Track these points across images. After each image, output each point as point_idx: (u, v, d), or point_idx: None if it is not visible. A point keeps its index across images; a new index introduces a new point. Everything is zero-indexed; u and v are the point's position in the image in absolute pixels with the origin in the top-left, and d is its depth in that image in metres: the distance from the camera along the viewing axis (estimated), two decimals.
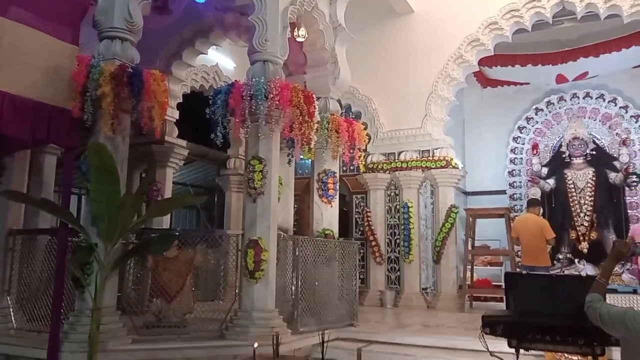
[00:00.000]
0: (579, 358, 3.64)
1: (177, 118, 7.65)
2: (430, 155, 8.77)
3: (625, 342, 2.34)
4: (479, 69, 9.52)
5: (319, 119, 5.64)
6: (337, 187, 6.29)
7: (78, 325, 4.24)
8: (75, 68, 4.45)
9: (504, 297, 3.08)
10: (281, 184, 5.77)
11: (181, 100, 7.79)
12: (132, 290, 5.13)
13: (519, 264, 8.46)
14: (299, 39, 5.90)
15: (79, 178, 4.83)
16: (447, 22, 8.89)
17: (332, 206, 6.20)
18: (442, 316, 7.48)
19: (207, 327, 5.00)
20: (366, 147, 7.90)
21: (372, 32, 9.17)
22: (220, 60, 9.37)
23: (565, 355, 3.87)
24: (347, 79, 6.52)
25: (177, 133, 7.65)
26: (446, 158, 8.61)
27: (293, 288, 5.44)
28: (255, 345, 3.29)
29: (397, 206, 8.87)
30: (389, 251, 8.85)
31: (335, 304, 5.82)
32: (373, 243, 8.72)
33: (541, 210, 6.93)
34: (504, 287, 7.53)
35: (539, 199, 7.86)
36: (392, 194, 8.99)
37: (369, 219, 8.86)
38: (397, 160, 8.90)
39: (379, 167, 8.96)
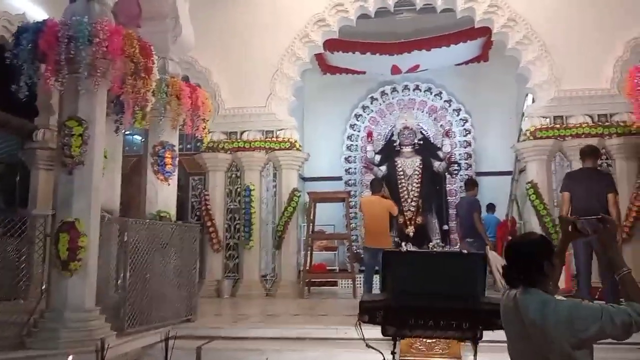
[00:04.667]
0: (442, 343, 3.47)
1: None
2: (274, 136, 8.33)
3: None
4: (322, 52, 9.35)
5: (157, 81, 4.74)
6: (176, 163, 5.45)
7: None
8: None
9: (380, 279, 2.68)
10: (106, 157, 4.74)
11: None
12: None
13: (358, 246, 8.54)
14: None
15: None
16: None
17: (169, 184, 5.35)
18: (283, 304, 7.10)
19: (1, 333, 3.85)
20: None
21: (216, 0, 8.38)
22: (29, 9, 7.66)
23: (424, 340, 3.65)
24: (190, 39, 5.70)
25: None
26: (290, 140, 8.26)
27: (120, 281, 4.51)
28: (70, 358, 2.41)
29: (238, 189, 8.27)
30: (228, 237, 8.21)
31: (171, 297, 5.00)
32: (211, 229, 7.97)
33: (386, 190, 6.90)
34: (361, 268, 7.37)
35: (381, 181, 7.89)
36: (233, 176, 8.35)
37: (207, 202, 8.10)
38: (239, 140, 8.29)
39: (220, 146, 8.24)
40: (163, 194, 5.28)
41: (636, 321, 1.75)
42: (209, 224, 7.98)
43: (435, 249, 9.28)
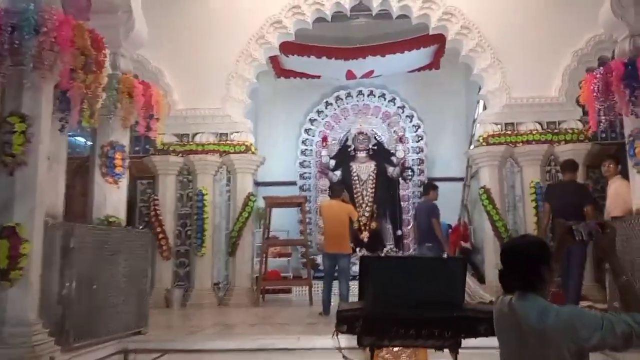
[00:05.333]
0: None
1: None
2: (229, 139, 8.08)
3: None
4: (276, 56, 9.21)
5: (108, 77, 4.43)
6: (127, 165, 5.12)
7: None
8: None
9: (358, 286, 2.55)
10: (48, 158, 4.37)
11: None
12: None
13: (312, 253, 8.39)
14: None
15: None
16: None
17: (118, 187, 5.01)
18: (238, 313, 6.85)
19: None
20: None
21: None
22: None
23: (391, 349, 3.54)
24: (143, 34, 5.40)
25: None
26: (246, 143, 8.04)
27: (64, 291, 4.14)
28: None
29: (190, 194, 7.94)
30: (179, 244, 7.86)
31: (120, 308, 4.67)
32: (160, 235, 7.60)
33: (346, 195, 6.80)
34: (317, 274, 7.17)
35: (341, 185, 7.80)
36: (185, 180, 8.01)
37: (156, 208, 7.72)
38: (192, 143, 7.98)
39: (171, 149, 7.89)
40: (112, 198, 4.93)
41: (637, 332, 1.68)
42: (158, 230, 7.60)
43: (391, 254, 9.56)
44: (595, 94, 4.74)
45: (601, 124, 4.88)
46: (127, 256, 4.71)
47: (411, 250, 9.92)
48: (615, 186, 5.23)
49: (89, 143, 6.81)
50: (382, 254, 9.45)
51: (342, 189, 6.74)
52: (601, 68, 4.99)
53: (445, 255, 6.23)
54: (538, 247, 1.89)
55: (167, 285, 7.66)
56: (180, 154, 7.93)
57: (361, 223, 9.52)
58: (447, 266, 2.45)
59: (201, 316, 6.63)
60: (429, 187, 7.40)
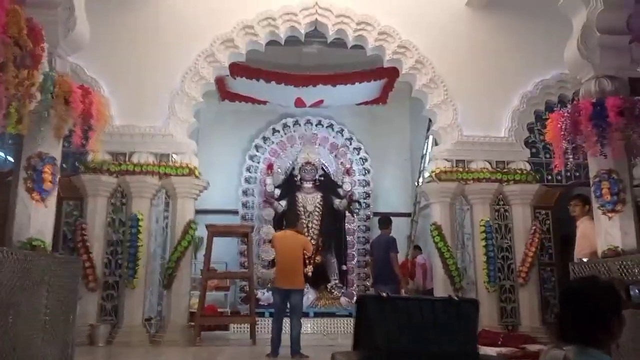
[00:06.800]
0: None
1: None
2: (171, 160, 7.49)
3: None
4: (222, 77, 8.85)
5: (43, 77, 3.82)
6: (57, 181, 4.45)
7: None
8: None
9: (354, 332, 2.13)
10: None
11: None
12: None
13: (263, 286, 7.86)
14: None
15: None
16: (201, 15, 7.87)
17: (46, 207, 4.31)
18: (175, 353, 6.17)
19: None
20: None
21: (111, 3, 7.48)
22: None
23: None
24: (84, 36, 4.82)
25: None
26: (189, 165, 7.48)
27: None
28: None
29: (123, 218, 7.20)
30: (107, 274, 7.06)
31: (42, 346, 3.93)
32: (87, 264, 6.77)
33: (302, 226, 6.41)
34: (260, 310, 6.68)
35: (296, 215, 7.39)
36: (118, 203, 7.27)
37: (83, 233, 6.92)
38: (128, 162, 7.30)
39: (104, 168, 7.16)
40: (38, 219, 4.22)
41: None
42: (85, 257, 6.78)
43: (335, 290, 9.20)
44: (562, 133, 4.69)
45: (568, 164, 4.83)
46: (52, 287, 4.00)
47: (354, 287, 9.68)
48: (582, 227, 5.17)
49: (9, 158, 6.04)
50: (327, 290, 9.09)
51: (298, 218, 6.41)
52: (568, 106, 4.99)
53: (402, 293, 5.94)
54: (610, 293, 1.58)
55: (92, 320, 6.82)
56: (114, 174, 7.22)
57: (306, 256, 9.11)
58: (459, 310, 2.09)
59: (133, 356, 5.87)
60: (388, 220, 7.17)
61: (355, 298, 3.37)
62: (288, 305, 5.91)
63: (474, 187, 7.62)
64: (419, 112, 8.86)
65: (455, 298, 2.45)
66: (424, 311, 2.12)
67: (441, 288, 7.37)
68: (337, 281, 9.50)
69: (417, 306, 2.12)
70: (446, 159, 7.85)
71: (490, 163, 7.84)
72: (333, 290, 9.22)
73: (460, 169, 7.77)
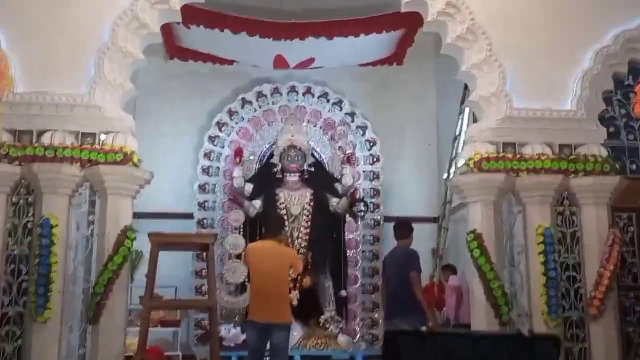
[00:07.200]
0: None
1: None
2: (97, 142, 7.44)
3: None
4: (173, 23, 8.85)
5: None
6: None
7: None
8: None
9: None
10: None
11: None
12: None
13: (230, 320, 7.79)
14: None
15: None
16: None
17: None
18: None
19: None
20: None
21: None
22: None
23: None
24: None
25: None
26: (124, 149, 7.35)
27: None
28: None
29: (30, 224, 7.14)
30: (7, 303, 6.98)
31: None
32: None
33: (286, 235, 6.41)
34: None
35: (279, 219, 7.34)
36: (23, 202, 7.20)
37: None
38: (37, 145, 7.20)
39: (2, 152, 7.08)
40: None
41: None
42: None
43: (330, 325, 9.17)
44: None
45: None
46: None
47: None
48: None
49: None
50: (319, 324, 9.06)
51: (283, 224, 6.39)
52: None
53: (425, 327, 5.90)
54: None
55: None
56: (16, 161, 7.12)
57: (292, 277, 9.14)
58: (532, 351, 1.98)
59: None
60: (407, 227, 7.15)
61: (381, 335, 3.38)
62: (267, 347, 5.94)
63: (528, 180, 7.58)
64: (450, 77, 8.86)
65: (527, 334, 2.32)
66: (482, 353, 1.99)
67: (482, 321, 7.31)
68: (333, 312, 9.52)
69: (472, 345, 1.98)
70: (489, 142, 7.79)
71: (551, 147, 7.79)
72: (328, 325, 9.25)
73: (510, 155, 7.71)
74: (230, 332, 8.63)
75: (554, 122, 7.85)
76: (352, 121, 11.25)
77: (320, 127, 11.13)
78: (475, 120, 8.43)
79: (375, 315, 10.35)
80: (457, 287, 9.37)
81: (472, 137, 8.01)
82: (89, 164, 7.27)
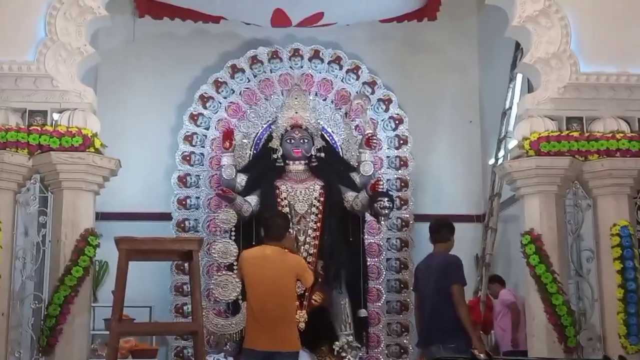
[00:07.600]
0: None
1: None
2: (50, 122, 7.53)
3: None
4: None
5: None
6: None
7: None
8: None
9: None
10: None
11: None
12: None
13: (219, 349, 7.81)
14: None
15: None
16: None
17: None
18: None
19: None
20: None
21: None
22: None
23: None
24: None
25: None
26: (84, 132, 7.42)
27: None
28: None
29: None
30: None
31: None
32: None
33: (292, 238, 6.42)
34: None
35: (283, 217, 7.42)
36: None
37: None
38: None
39: None
40: None
41: None
42: None
43: (348, 354, 9.17)
44: None
45: None
46: None
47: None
48: None
49: None
50: (333, 354, 9.06)
51: (287, 224, 6.37)
52: None
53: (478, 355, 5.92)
54: None
55: None
56: None
57: (300, 291, 9.14)
58: None
59: None
60: (447, 228, 7.17)
61: None
62: None
63: (599, 165, 7.59)
64: (498, 34, 8.84)
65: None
66: None
67: (542, 347, 7.34)
68: (350, 337, 9.42)
69: None
70: (549, 117, 7.82)
71: (628, 122, 7.84)
72: (344, 354, 9.21)
73: (576, 134, 7.74)
74: None
75: (632, 90, 7.86)
76: (372, 93, 11.10)
77: (332, 101, 11.07)
78: (530, 90, 8.43)
79: (405, 341, 10.33)
80: (511, 304, 9.37)
81: (527, 111, 8.01)
82: (38, 151, 7.34)
